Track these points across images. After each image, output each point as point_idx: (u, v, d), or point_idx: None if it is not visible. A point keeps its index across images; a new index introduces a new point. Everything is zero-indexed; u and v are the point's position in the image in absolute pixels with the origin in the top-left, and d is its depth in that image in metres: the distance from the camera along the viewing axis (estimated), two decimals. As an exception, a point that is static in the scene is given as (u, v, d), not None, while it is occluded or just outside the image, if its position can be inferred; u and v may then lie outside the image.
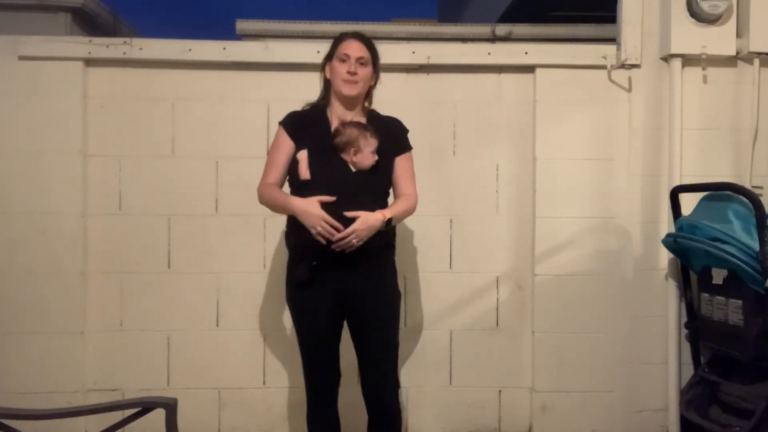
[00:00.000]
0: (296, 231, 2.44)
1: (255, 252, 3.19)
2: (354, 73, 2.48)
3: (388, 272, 2.55)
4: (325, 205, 2.36)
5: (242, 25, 4.19)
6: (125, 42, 3.14)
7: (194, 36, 3.24)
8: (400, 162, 2.55)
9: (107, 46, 3.14)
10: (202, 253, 3.18)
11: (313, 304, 2.47)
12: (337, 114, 2.54)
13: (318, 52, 3.13)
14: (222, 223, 3.18)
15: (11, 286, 3.09)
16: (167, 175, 3.17)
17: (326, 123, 2.53)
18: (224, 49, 3.16)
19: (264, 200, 2.54)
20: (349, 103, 2.53)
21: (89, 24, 4.94)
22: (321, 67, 2.60)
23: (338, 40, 2.57)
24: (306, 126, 2.53)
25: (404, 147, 2.58)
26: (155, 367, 3.17)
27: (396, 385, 2.59)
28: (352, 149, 2.44)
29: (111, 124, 3.17)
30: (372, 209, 2.39)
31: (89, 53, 3.12)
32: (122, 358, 3.17)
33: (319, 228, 2.33)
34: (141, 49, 3.13)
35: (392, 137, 2.55)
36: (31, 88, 3.10)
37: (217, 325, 3.19)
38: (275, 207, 2.53)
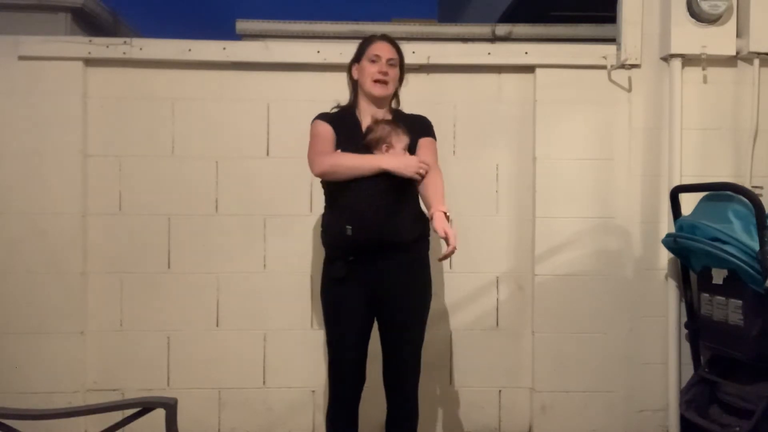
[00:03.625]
0: (332, 228, 2.47)
1: (255, 252, 3.19)
2: (385, 73, 2.53)
3: (422, 263, 2.54)
4: (355, 207, 2.39)
5: (242, 25, 4.19)
6: (125, 42, 3.14)
7: (194, 36, 3.22)
8: (422, 141, 2.56)
9: (107, 46, 3.14)
10: (202, 253, 3.18)
11: (347, 299, 2.48)
12: (365, 114, 2.58)
13: (318, 51, 3.14)
14: (222, 223, 3.18)
15: (11, 286, 3.09)
16: (167, 175, 3.17)
17: (356, 123, 2.56)
18: (224, 49, 3.16)
19: (335, 164, 2.44)
20: (378, 103, 2.57)
21: (89, 24, 4.93)
22: (347, 69, 2.64)
23: (367, 41, 2.61)
24: (337, 125, 2.55)
25: (428, 133, 2.62)
26: (155, 367, 3.17)
27: (417, 376, 2.57)
28: (384, 146, 2.46)
29: (111, 124, 3.17)
30: (403, 206, 2.44)
31: (89, 53, 3.12)
32: (122, 358, 3.17)
33: (421, 171, 2.40)
34: (141, 49, 3.13)
35: (417, 129, 2.58)
36: (31, 88, 3.10)
37: (217, 325, 3.19)
38: (354, 168, 2.42)
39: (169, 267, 3.18)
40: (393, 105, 2.66)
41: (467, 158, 3.24)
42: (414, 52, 3.19)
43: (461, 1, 8.05)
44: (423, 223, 2.51)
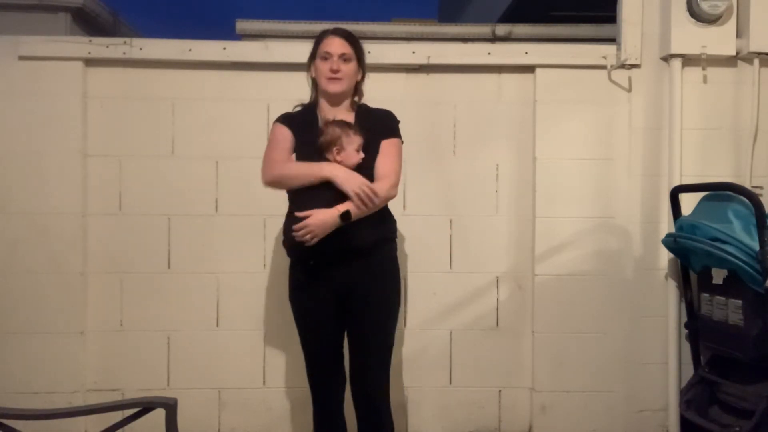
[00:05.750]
0: (289, 233, 2.41)
1: (255, 252, 3.19)
2: (337, 71, 2.45)
3: (387, 268, 2.49)
4: (303, 205, 2.34)
5: (242, 25, 4.19)
6: (125, 42, 3.14)
7: (194, 36, 3.23)
8: (384, 144, 2.46)
9: (107, 46, 3.14)
10: (202, 253, 3.18)
11: (314, 303, 2.46)
12: (324, 112, 2.52)
13: (318, 52, 3.14)
14: (222, 223, 3.18)
15: (11, 286, 3.09)
16: (167, 175, 3.17)
17: (315, 123, 2.51)
18: (224, 49, 3.16)
19: (279, 175, 2.44)
20: (334, 100, 2.50)
21: (89, 24, 4.94)
22: (307, 67, 2.58)
23: (319, 38, 2.53)
24: (297, 127, 2.51)
25: (391, 133, 2.50)
26: (155, 367, 3.17)
27: (385, 384, 2.51)
28: (335, 148, 2.40)
29: (111, 124, 3.17)
30: None
31: (89, 53, 3.12)
32: (122, 358, 3.17)
33: (360, 192, 2.30)
34: (141, 49, 3.13)
35: (380, 127, 2.49)
36: (31, 88, 3.10)
37: (217, 325, 3.19)
38: (298, 177, 2.40)
39: (169, 267, 3.18)
40: (356, 99, 2.57)
41: (467, 158, 3.24)
42: (414, 52, 3.19)
43: (461, 1, 8.06)
44: (385, 226, 2.48)
